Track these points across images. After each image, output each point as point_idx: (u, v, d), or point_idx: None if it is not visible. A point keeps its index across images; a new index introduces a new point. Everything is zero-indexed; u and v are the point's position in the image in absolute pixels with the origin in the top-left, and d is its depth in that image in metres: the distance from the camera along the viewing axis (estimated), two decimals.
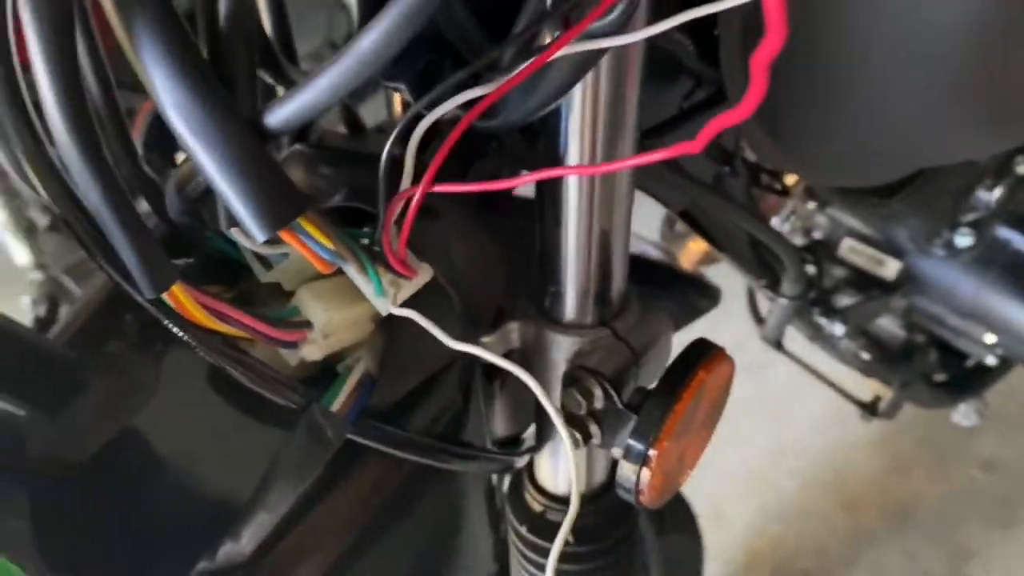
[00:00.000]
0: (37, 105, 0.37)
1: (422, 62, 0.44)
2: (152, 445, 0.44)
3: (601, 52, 0.36)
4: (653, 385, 0.51)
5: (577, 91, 0.42)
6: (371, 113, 0.71)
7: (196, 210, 0.37)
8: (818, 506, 1.56)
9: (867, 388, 1.20)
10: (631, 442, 0.48)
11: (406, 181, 0.36)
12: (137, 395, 0.45)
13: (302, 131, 0.55)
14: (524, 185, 0.35)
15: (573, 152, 0.45)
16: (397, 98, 0.60)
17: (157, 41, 0.31)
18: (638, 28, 0.35)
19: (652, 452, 0.47)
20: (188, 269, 0.45)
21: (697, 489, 1.03)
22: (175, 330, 0.38)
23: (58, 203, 0.39)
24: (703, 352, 0.49)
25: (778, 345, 1.12)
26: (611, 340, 0.51)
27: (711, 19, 0.61)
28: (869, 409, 1.16)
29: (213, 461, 0.45)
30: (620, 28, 0.34)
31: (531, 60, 0.34)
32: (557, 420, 0.42)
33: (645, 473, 0.48)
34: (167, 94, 0.31)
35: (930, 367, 1.13)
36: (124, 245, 0.34)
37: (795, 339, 1.18)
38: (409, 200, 0.37)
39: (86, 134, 0.31)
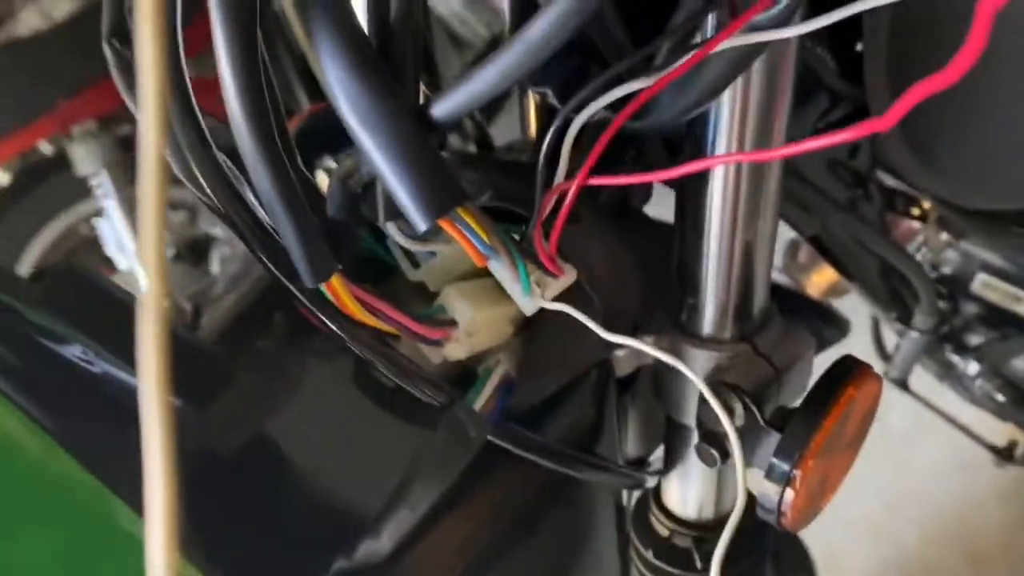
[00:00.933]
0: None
1: (569, 67, 0.45)
2: (297, 440, 0.45)
3: (763, 46, 0.35)
4: (796, 404, 0.49)
5: (727, 94, 0.42)
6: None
7: (355, 205, 0.38)
8: (942, 559, 1.48)
9: (1000, 433, 1.14)
10: (775, 460, 0.46)
11: (560, 175, 0.36)
12: (283, 391, 0.46)
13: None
14: (677, 177, 0.35)
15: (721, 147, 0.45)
16: (532, 115, 0.61)
17: (332, 35, 0.32)
18: (798, 23, 0.34)
19: (797, 472, 0.45)
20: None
21: (813, 536, 0.99)
22: (329, 322, 0.39)
23: (222, 200, 0.41)
24: (850, 369, 0.47)
25: (903, 385, 1.07)
26: (751, 356, 0.50)
27: (854, 33, 0.60)
28: (1004, 455, 1.09)
29: (355, 459, 0.46)
30: (784, 21, 0.34)
31: (690, 54, 0.34)
32: (715, 403, 0.41)
33: (788, 493, 0.46)
34: (340, 86, 0.32)
35: None
36: (292, 234, 0.35)
37: (918, 380, 1.13)
38: (560, 198, 0.37)
39: (264, 128, 0.33)
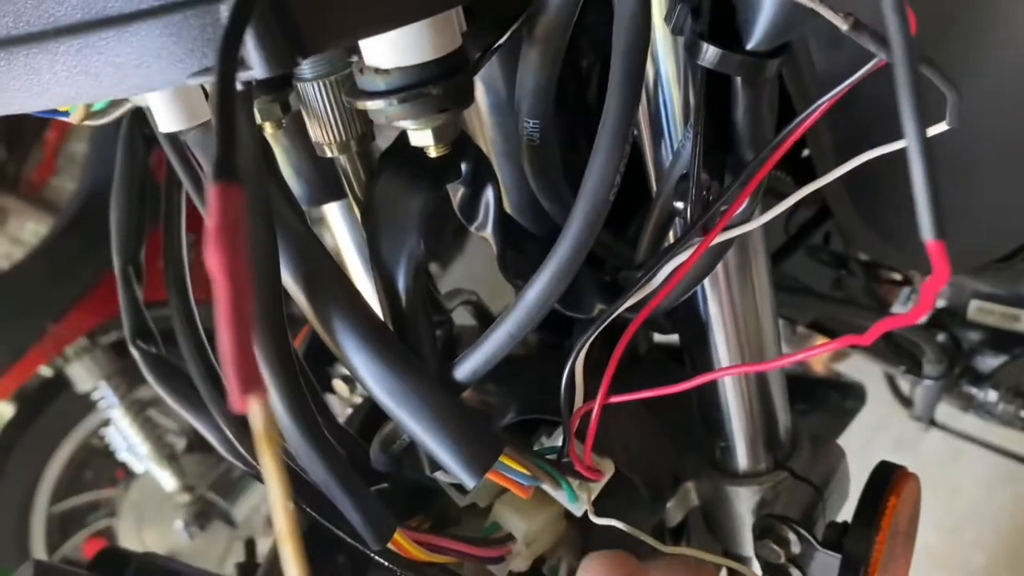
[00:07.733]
0: None
1: None
2: None
3: (732, 241, 0.38)
4: (841, 517, 0.51)
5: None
6: None
7: (399, 463, 0.41)
8: (1016, 573, 1.46)
9: None
10: None
11: (579, 399, 0.39)
12: None
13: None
14: (693, 388, 0.37)
15: (715, 312, 0.48)
16: None
17: (353, 331, 0.34)
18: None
19: None
20: (388, 494, 0.47)
21: None
22: (400, 570, 0.40)
23: None
24: (888, 476, 0.49)
25: (931, 423, 1.08)
26: (791, 482, 0.52)
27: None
28: None
29: None
30: (747, 219, 0.37)
31: (672, 260, 0.37)
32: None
33: None
34: (367, 371, 0.35)
35: None
36: (351, 509, 0.37)
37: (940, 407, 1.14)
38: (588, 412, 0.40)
39: (312, 426, 0.35)
